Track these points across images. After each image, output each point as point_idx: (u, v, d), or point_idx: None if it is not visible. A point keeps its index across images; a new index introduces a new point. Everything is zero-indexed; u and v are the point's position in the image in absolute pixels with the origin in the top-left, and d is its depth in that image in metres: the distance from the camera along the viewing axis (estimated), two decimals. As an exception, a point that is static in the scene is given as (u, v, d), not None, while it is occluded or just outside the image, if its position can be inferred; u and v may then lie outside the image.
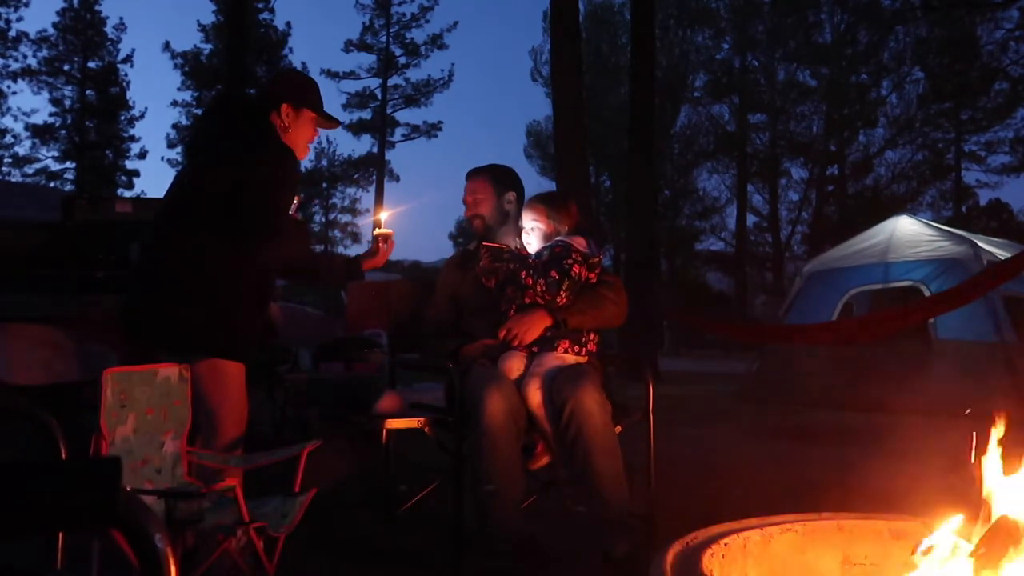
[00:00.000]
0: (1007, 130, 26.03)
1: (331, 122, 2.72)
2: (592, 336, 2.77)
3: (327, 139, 32.62)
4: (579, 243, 2.76)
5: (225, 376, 2.39)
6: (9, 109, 29.85)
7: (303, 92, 2.61)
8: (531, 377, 2.61)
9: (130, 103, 30.97)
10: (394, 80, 33.47)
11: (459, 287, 2.99)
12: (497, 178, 3.00)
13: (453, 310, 3.00)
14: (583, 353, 2.72)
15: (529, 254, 2.83)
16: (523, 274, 2.68)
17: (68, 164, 30.39)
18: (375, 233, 2.86)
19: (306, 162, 31.00)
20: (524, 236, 2.86)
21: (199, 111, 27.17)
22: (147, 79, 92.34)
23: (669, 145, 26.96)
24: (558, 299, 2.69)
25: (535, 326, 2.68)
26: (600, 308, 2.77)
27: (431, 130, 33.80)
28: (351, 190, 33.53)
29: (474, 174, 3.04)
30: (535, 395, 2.57)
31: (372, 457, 3.91)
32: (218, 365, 2.37)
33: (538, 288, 2.67)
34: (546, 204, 2.82)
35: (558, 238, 2.79)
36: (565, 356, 2.67)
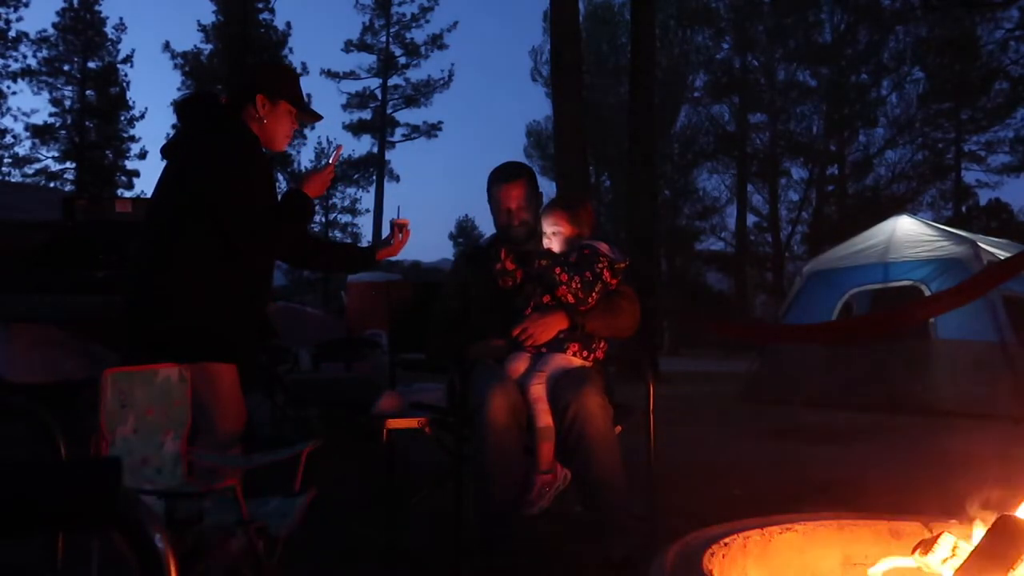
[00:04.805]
0: (1007, 130, 26.00)
1: (311, 116, 2.67)
2: (602, 344, 2.76)
3: (327, 139, 32.61)
4: (604, 248, 2.75)
5: (216, 377, 2.38)
6: (9, 109, 29.75)
7: (279, 83, 2.55)
8: (535, 373, 2.60)
9: (130, 103, 30.94)
10: (394, 80, 33.51)
11: (471, 283, 2.98)
12: (532, 181, 2.99)
13: (462, 307, 2.99)
14: (590, 358, 2.71)
15: (556, 254, 2.82)
16: (557, 270, 2.65)
17: (68, 164, 30.37)
18: (392, 221, 2.85)
19: (305, 161, 31.16)
20: (545, 240, 2.85)
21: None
22: (147, 79, 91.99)
23: (669, 145, 26.93)
24: (589, 299, 2.67)
25: (551, 327, 2.67)
26: (616, 317, 2.75)
27: (431, 130, 33.83)
28: (351, 190, 33.56)
29: (512, 178, 2.96)
30: (537, 389, 2.56)
31: (372, 457, 3.91)
32: (209, 367, 2.37)
33: (573, 285, 2.64)
34: (565, 209, 2.81)
35: (583, 241, 2.78)
36: (572, 359, 2.66)
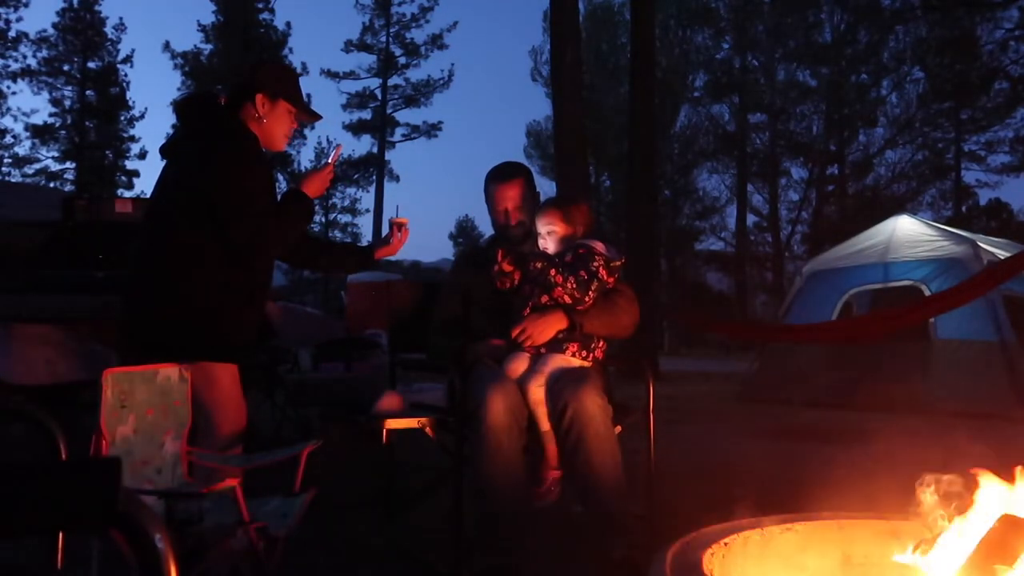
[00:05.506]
0: (1007, 130, 26.03)
1: (311, 115, 2.67)
2: (601, 343, 2.75)
3: (327, 139, 32.62)
4: (599, 247, 2.74)
5: (216, 377, 2.38)
6: (9, 109, 29.86)
7: (279, 82, 2.55)
8: (535, 374, 2.59)
9: (130, 103, 31.00)
10: (394, 80, 33.54)
11: (471, 285, 2.97)
12: (529, 182, 2.98)
13: (462, 307, 2.98)
14: (589, 359, 2.70)
15: (551, 255, 2.82)
16: (552, 272, 2.65)
17: (68, 164, 30.40)
18: (391, 220, 2.85)
19: (305, 161, 31.18)
20: (540, 240, 2.84)
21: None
22: (147, 79, 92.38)
23: (669, 145, 26.96)
24: (586, 299, 2.66)
25: (550, 328, 2.66)
26: (614, 316, 2.74)
27: (431, 130, 33.86)
28: (351, 190, 33.58)
29: (508, 178, 2.95)
30: (536, 391, 2.56)
31: (372, 457, 3.91)
32: (208, 367, 2.36)
33: (568, 285, 2.63)
34: (559, 208, 2.80)
35: (578, 240, 2.78)
36: (571, 359, 2.65)
